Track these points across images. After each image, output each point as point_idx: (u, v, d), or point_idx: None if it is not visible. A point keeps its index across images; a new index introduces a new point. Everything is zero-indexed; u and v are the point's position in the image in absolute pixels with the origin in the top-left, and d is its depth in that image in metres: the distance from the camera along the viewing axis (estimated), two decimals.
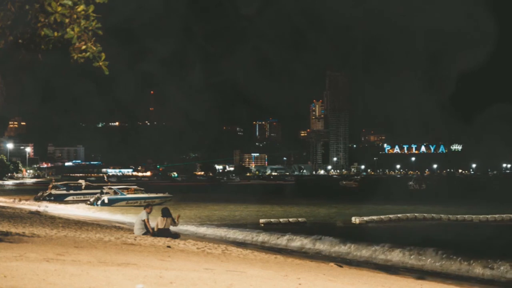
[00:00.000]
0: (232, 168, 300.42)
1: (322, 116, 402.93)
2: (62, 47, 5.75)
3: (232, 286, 5.90)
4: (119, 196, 38.42)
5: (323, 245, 17.62)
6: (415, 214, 28.42)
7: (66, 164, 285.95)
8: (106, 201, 37.41)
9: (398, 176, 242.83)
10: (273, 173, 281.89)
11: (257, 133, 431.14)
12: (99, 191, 40.92)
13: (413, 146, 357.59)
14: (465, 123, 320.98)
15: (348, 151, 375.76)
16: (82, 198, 41.48)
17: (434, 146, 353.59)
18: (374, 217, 27.11)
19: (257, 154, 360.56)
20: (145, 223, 16.07)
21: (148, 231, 15.90)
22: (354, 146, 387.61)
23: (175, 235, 15.91)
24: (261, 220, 26.83)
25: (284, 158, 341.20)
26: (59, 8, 5.32)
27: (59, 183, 50.14)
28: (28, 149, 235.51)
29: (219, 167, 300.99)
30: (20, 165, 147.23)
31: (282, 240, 19.05)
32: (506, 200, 39.12)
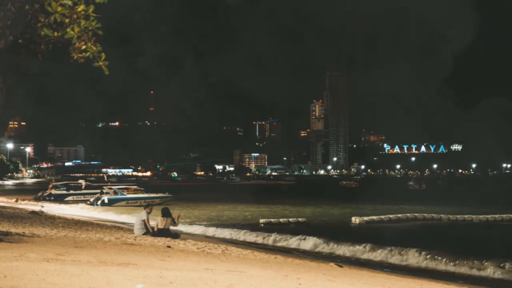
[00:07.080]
0: (232, 168, 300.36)
1: (322, 116, 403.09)
2: (62, 47, 5.75)
3: (232, 286, 5.90)
4: (119, 196, 38.41)
5: (307, 245, 17.64)
6: (415, 214, 28.43)
7: (66, 164, 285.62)
8: (106, 201, 37.40)
9: (398, 176, 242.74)
10: (273, 173, 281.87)
11: (257, 133, 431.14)
12: (99, 191, 40.89)
13: (413, 146, 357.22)
14: (466, 122, 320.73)
15: (348, 151, 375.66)
16: (82, 198, 41.44)
17: (434, 146, 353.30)
18: (374, 217, 27.12)
19: (257, 154, 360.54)
20: (145, 223, 16.06)
21: (148, 231, 15.89)
22: (354, 146, 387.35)
23: (175, 235, 15.91)
24: (261, 220, 26.86)
25: (284, 158, 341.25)
26: (59, 8, 5.32)
27: (59, 183, 50.06)
28: (28, 149, 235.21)
29: (219, 167, 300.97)
30: (20, 165, 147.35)
31: (269, 240, 19.05)
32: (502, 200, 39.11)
